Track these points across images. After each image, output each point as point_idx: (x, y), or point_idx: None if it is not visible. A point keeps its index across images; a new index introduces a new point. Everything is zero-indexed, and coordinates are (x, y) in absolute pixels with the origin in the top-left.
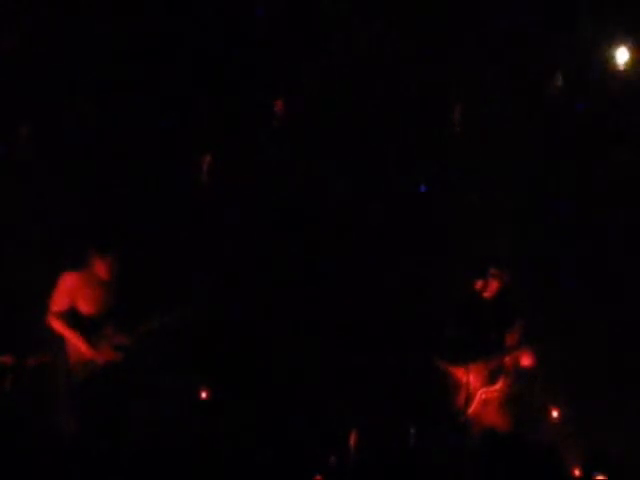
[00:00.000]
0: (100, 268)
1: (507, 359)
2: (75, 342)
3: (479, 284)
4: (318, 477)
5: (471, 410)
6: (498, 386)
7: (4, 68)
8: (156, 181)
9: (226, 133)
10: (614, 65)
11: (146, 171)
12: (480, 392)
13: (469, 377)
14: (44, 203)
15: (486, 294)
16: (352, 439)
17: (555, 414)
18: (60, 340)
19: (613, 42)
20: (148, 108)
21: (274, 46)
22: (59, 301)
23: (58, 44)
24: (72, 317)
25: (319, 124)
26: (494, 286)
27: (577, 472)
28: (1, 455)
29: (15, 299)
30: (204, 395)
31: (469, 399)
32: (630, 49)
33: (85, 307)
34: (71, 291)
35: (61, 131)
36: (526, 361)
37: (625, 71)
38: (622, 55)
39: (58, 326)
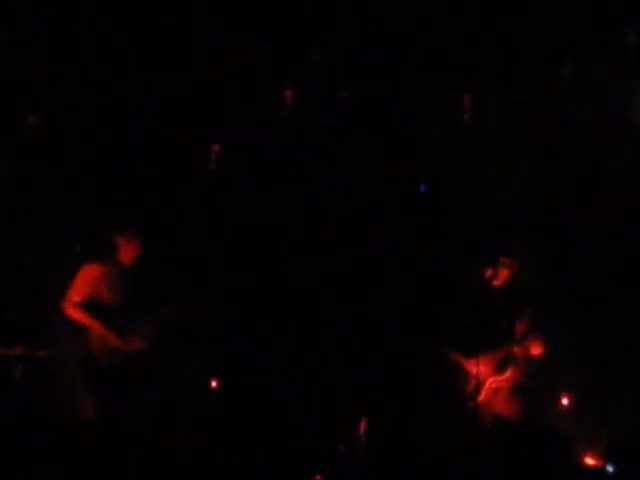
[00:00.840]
0: (125, 252)
1: (516, 348)
2: (100, 332)
3: (489, 273)
4: (318, 477)
5: (481, 399)
6: (507, 375)
7: (8, 57)
8: (166, 168)
9: (235, 122)
10: None
11: (157, 157)
12: (490, 381)
13: (479, 366)
14: (57, 194)
15: (496, 283)
16: (362, 427)
17: (565, 402)
18: (72, 329)
19: None
20: (156, 94)
21: (280, 34)
22: (80, 291)
23: (63, 32)
24: (96, 307)
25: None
26: (504, 275)
27: (588, 460)
28: (11, 445)
29: (26, 290)
30: (214, 384)
31: (479, 388)
32: None
33: (109, 297)
34: (93, 282)
35: (70, 120)
36: (536, 350)
37: None
38: None
39: (78, 316)
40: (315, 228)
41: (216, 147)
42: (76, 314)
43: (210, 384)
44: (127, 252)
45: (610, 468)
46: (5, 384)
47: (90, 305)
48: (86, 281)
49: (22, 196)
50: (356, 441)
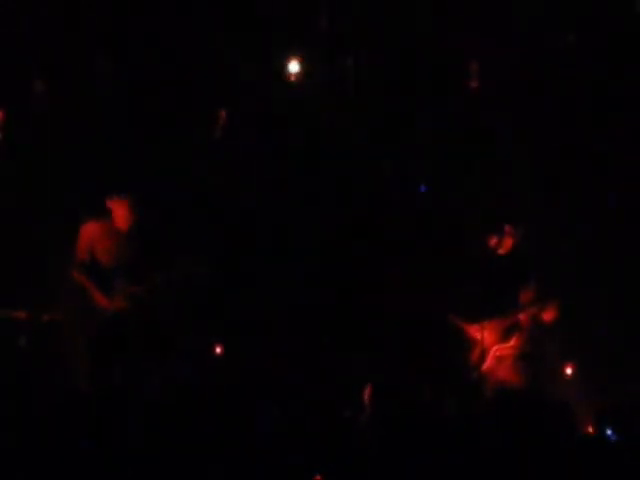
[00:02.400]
0: (119, 214)
1: (521, 316)
2: (90, 291)
3: (494, 241)
4: (318, 477)
5: (485, 367)
6: (512, 343)
7: (16, 21)
8: (171, 133)
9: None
10: None
11: (161, 123)
12: (494, 349)
13: (483, 334)
14: (61, 156)
15: (501, 251)
16: (366, 394)
17: (569, 371)
18: (76, 294)
19: None
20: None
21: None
22: (81, 252)
23: None
24: (89, 267)
25: None
26: (509, 243)
27: (592, 429)
28: (16, 411)
29: (29, 254)
30: (218, 350)
31: (483, 356)
32: None
33: (102, 258)
34: (90, 241)
35: (76, 84)
36: (549, 315)
37: None
38: None
39: (81, 277)
40: (317, 195)
41: (222, 114)
42: (79, 276)
43: (214, 350)
44: (119, 217)
45: (611, 435)
46: (9, 348)
47: (87, 265)
48: (84, 241)
49: (24, 161)
50: (361, 408)
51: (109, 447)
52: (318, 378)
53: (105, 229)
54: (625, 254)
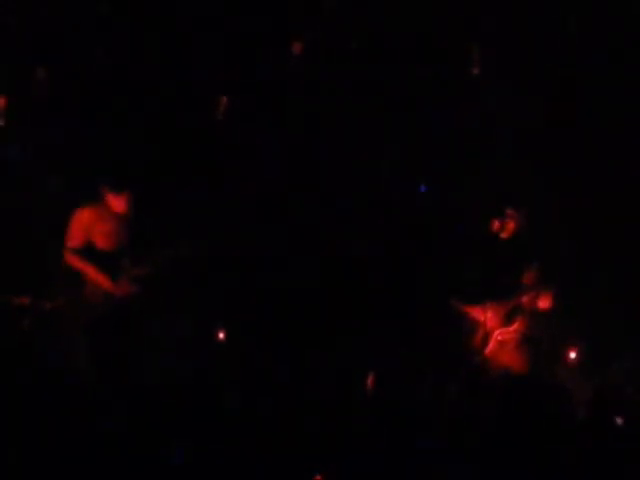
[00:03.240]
0: (114, 204)
1: (524, 300)
2: (94, 276)
3: (496, 225)
4: (318, 477)
5: (487, 351)
6: (515, 327)
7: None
8: (171, 117)
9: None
10: None
11: (161, 108)
12: (497, 333)
13: (486, 318)
14: (60, 142)
15: (503, 235)
16: (369, 380)
17: (572, 355)
18: (77, 279)
19: None
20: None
21: None
22: (75, 237)
23: None
24: (89, 252)
25: None
26: (511, 227)
27: (592, 412)
28: (18, 396)
29: (32, 239)
30: (221, 336)
31: (486, 340)
32: None
33: (101, 241)
34: (87, 226)
35: (76, 69)
36: (544, 302)
37: None
38: None
39: (76, 262)
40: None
41: (224, 98)
42: (73, 261)
43: (217, 336)
44: (116, 205)
45: (617, 419)
46: (12, 333)
47: (85, 250)
48: (79, 226)
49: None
50: (363, 394)
51: (106, 431)
52: (318, 366)
53: (102, 212)
54: (626, 237)
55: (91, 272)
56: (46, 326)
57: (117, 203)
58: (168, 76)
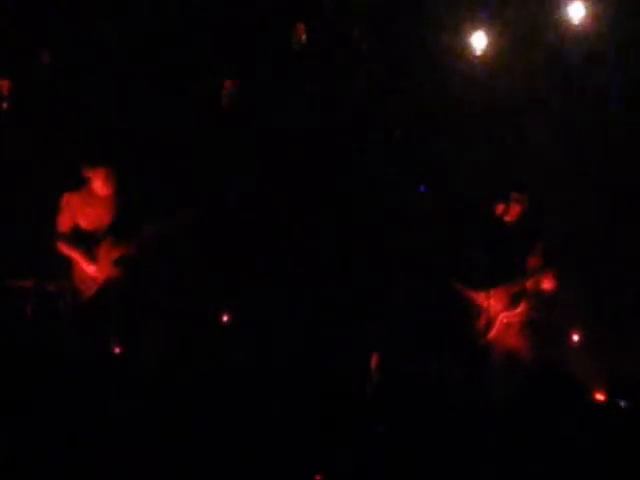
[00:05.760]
0: (95, 183)
1: (528, 283)
2: (78, 260)
3: (500, 208)
4: (318, 477)
5: (492, 334)
6: (519, 310)
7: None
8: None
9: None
10: None
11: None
12: (501, 316)
13: (490, 301)
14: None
15: (507, 218)
16: (373, 362)
17: (576, 338)
18: (68, 264)
19: None
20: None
21: None
22: (62, 222)
23: None
24: (74, 236)
25: None
26: (516, 210)
27: (599, 396)
28: (22, 379)
29: (35, 224)
30: (225, 318)
31: (490, 323)
32: None
33: (85, 224)
34: (72, 212)
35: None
36: (547, 285)
37: None
38: None
39: (64, 248)
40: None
41: (227, 83)
42: (62, 246)
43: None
44: (97, 183)
45: (622, 403)
46: (16, 317)
47: (72, 235)
48: (66, 211)
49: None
50: (368, 376)
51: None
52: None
53: (85, 197)
54: (631, 220)
55: (76, 256)
56: (49, 307)
57: (97, 182)
58: (154, 55)
